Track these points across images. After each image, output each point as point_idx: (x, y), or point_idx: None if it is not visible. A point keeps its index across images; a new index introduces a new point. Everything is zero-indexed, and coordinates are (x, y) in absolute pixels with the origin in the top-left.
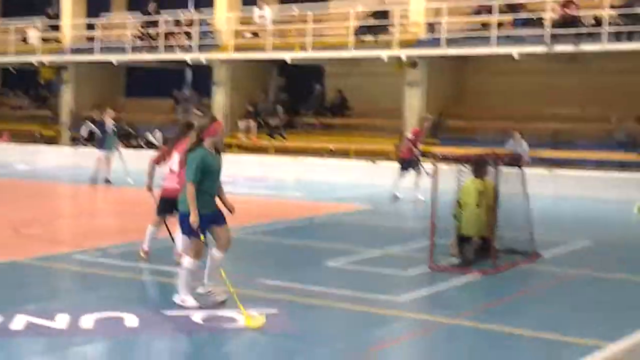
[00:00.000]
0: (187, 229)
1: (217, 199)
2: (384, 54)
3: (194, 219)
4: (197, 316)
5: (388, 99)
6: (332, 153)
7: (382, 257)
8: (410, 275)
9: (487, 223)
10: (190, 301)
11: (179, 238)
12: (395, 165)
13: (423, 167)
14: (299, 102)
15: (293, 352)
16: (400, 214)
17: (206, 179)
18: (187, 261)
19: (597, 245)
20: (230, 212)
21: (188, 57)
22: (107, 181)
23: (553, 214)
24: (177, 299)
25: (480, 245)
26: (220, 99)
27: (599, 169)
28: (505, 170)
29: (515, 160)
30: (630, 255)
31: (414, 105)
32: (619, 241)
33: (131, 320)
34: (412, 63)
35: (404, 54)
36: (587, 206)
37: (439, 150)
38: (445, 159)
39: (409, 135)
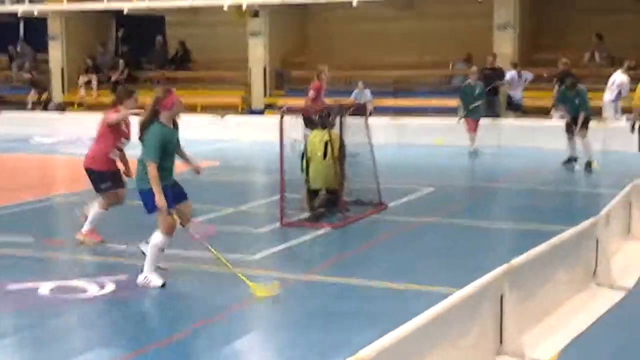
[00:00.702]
0: (152, 206)
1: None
2: (225, 2)
3: (160, 202)
4: (45, 288)
5: (232, 49)
6: None
7: (233, 214)
8: (262, 232)
9: (334, 175)
10: (155, 280)
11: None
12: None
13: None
14: (141, 54)
15: (145, 316)
16: (251, 169)
17: (165, 156)
18: (158, 237)
19: (440, 191)
20: (197, 173)
21: (20, 9)
22: None
23: (397, 163)
24: (140, 277)
25: (329, 198)
26: (56, 54)
27: (439, 115)
28: (350, 120)
29: (359, 110)
30: (471, 199)
31: (257, 55)
32: (460, 187)
33: None
34: (254, 12)
35: (244, 2)
36: (429, 153)
37: (284, 102)
38: (290, 110)
39: (310, 91)
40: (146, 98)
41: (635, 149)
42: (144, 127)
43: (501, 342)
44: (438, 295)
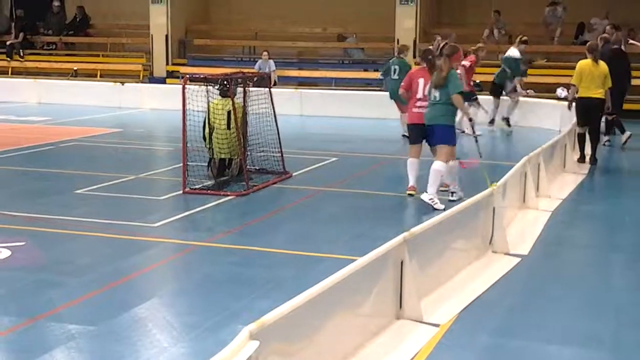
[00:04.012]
0: (452, 139)
1: None
2: None
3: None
4: None
5: (133, 16)
6: (76, 74)
7: (135, 182)
8: (164, 199)
9: (237, 144)
10: (438, 204)
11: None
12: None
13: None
14: (38, 19)
15: (45, 285)
16: (153, 137)
17: None
18: (441, 165)
19: (344, 161)
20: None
21: None
22: None
23: (301, 132)
24: (425, 196)
25: (232, 167)
26: None
27: (340, 87)
28: (254, 90)
29: (263, 80)
30: (374, 169)
31: (159, 22)
32: (360, 156)
33: None
34: None
35: None
36: (331, 124)
37: (187, 70)
38: (194, 79)
39: (465, 62)
40: (42, 63)
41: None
42: (448, 74)
43: (400, 306)
44: (339, 262)
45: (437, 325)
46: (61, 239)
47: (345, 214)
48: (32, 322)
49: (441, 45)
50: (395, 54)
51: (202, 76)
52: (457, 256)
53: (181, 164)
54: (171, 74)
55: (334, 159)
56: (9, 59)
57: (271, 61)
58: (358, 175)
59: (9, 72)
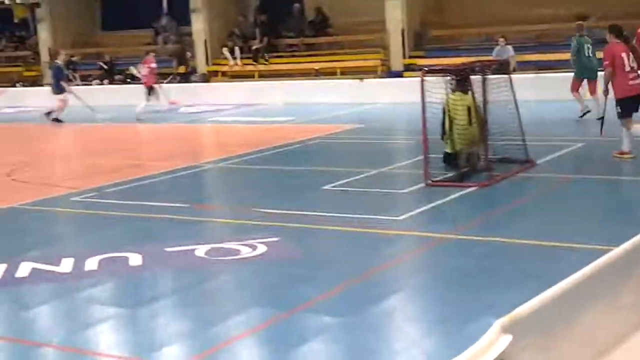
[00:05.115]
0: None
1: None
2: None
3: None
4: (201, 250)
5: (369, 12)
6: (317, 73)
7: (378, 176)
8: (407, 192)
9: (478, 138)
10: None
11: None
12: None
13: None
14: (279, 22)
15: (299, 278)
16: (392, 131)
17: None
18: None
19: (590, 147)
20: None
21: None
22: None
23: (542, 119)
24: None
25: (474, 158)
26: (199, 26)
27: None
28: (493, 78)
29: (502, 67)
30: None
31: (395, 17)
32: (609, 141)
33: (135, 259)
34: None
35: None
36: (573, 108)
37: (423, 62)
38: (431, 71)
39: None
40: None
41: None
42: None
43: None
44: (591, 253)
45: None
46: (312, 233)
47: (594, 202)
48: (289, 314)
49: None
50: (578, 32)
51: (439, 68)
52: None
53: (421, 157)
54: (408, 67)
55: (579, 144)
56: (254, 63)
57: (509, 47)
58: (607, 162)
59: (255, 76)
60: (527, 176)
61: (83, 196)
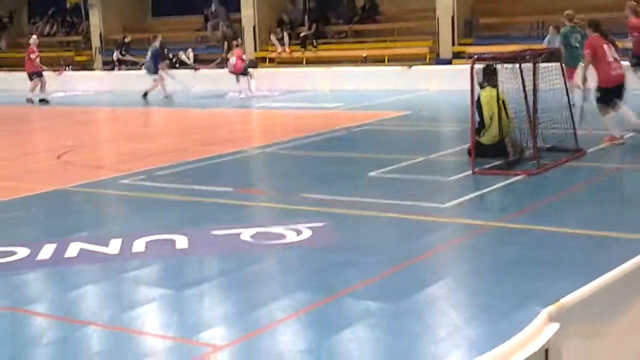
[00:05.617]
0: None
1: None
2: None
3: None
4: (246, 234)
5: (419, 0)
6: (365, 60)
7: (424, 163)
8: (454, 180)
9: (507, 129)
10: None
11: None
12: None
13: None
14: (328, 9)
15: (343, 264)
16: (439, 118)
17: None
18: None
19: None
20: None
21: None
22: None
23: (593, 107)
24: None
25: (522, 146)
26: (248, 12)
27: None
28: (544, 66)
29: (553, 55)
30: None
31: (445, 4)
32: None
33: (182, 241)
34: None
35: None
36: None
37: (473, 50)
38: (481, 59)
39: None
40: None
41: None
42: None
43: None
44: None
45: None
46: (357, 219)
47: None
48: (332, 299)
49: None
50: (568, 22)
51: (490, 55)
52: None
53: (469, 145)
54: (457, 55)
55: (630, 134)
56: (303, 49)
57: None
58: None
59: (304, 62)
60: (577, 165)
61: (132, 178)
